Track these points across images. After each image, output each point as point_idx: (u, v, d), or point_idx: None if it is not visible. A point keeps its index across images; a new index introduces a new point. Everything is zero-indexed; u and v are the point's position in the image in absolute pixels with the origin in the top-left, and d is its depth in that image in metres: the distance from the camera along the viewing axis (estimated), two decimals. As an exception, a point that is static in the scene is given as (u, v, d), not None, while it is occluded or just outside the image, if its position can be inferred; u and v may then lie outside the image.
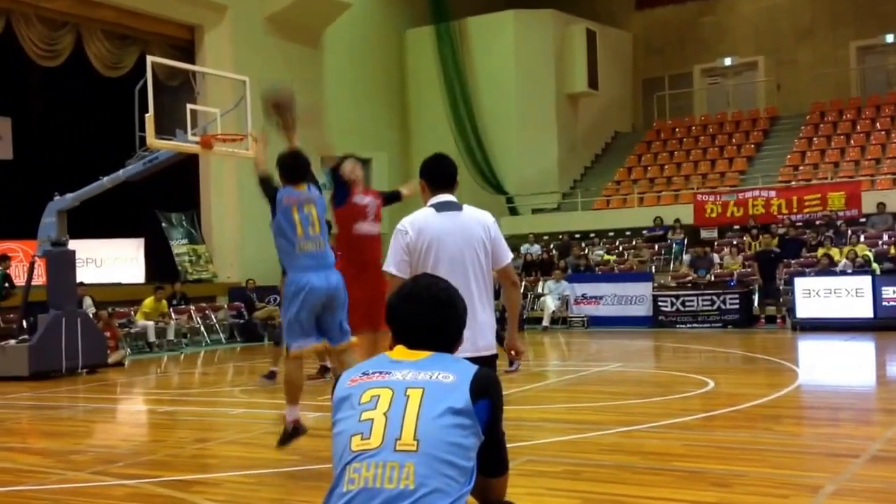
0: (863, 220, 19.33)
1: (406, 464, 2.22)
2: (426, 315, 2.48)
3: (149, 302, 16.43)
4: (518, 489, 5.05)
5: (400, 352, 2.45)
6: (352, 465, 2.26)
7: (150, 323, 16.32)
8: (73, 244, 13.36)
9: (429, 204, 4.21)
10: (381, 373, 2.38)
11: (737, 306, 17.35)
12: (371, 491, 2.22)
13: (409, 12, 24.85)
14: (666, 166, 24.58)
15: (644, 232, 21.27)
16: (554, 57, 24.58)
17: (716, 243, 20.26)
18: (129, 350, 15.25)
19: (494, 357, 4.15)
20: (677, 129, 26.21)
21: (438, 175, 4.23)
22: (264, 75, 17.98)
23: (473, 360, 3.24)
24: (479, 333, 4.00)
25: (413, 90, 24.97)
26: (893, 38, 24.73)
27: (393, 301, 2.55)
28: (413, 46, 24.86)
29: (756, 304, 17.77)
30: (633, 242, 21.26)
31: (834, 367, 11.85)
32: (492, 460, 2.43)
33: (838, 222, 18.97)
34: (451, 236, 4.07)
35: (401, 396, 2.30)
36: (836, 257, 17.15)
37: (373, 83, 23.99)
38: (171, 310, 16.92)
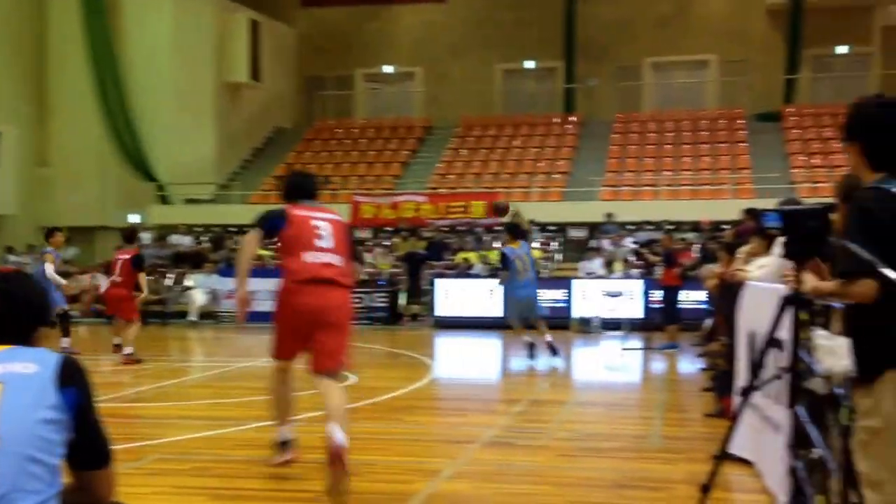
0: (499, 227, 21.01)
1: None
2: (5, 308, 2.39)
3: None
4: (143, 489, 4.88)
5: None
6: None
7: None
8: None
9: None
10: None
11: (385, 304, 18.09)
12: None
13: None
14: (325, 165, 25.00)
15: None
16: (215, 43, 24.02)
17: (369, 243, 20.95)
18: None
19: None
20: (338, 130, 26.77)
21: None
22: None
23: None
24: None
25: (54, 62, 23.03)
26: (533, 65, 27.24)
27: None
28: (56, 14, 22.92)
29: (402, 302, 18.63)
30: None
31: (465, 361, 12.77)
32: (90, 451, 2.33)
33: (478, 229, 20.46)
34: None
35: None
36: (473, 261, 18.50)
37: (7, 48, 21.82)
38: None
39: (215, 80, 24.10)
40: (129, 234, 12.67)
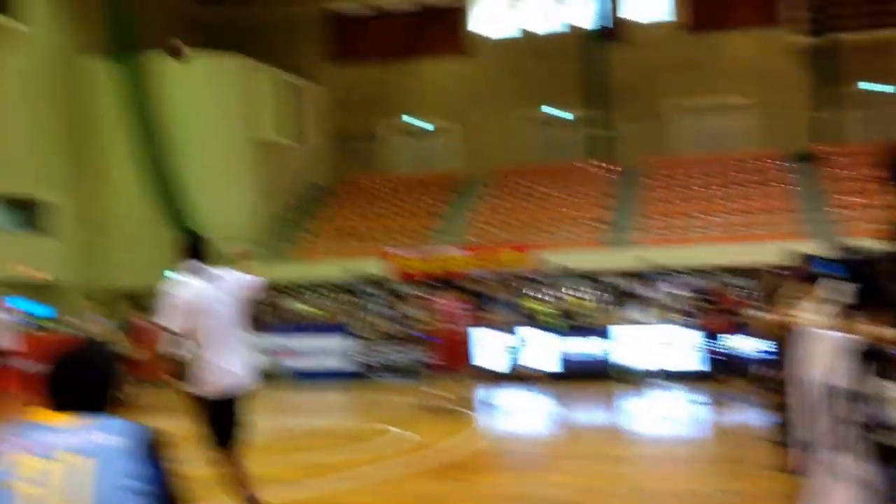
0: (542, 278, 20.88)
1: None
2: (87, 380, 2.43)
3: None
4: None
5: (55, 417, 2.36)
6: None
7: None
8: None
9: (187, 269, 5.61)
10: (40, 440, 2.28)
11: (431, 358, 18.02)
12: None
13: (94, 42, 23.45)
14: (361, 220, 25.22)
15: (342, 284, 21.58)
16: (247, 104, 24.47)
17: (412, 297, 20.96)
18: None
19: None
20: (370, 185, 27.02)
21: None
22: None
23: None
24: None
25: (104, 134, 23.42)
26: (562, 113, 27.50)
27: (54, 368, 2.46)
28: (101, 91, 23.38)
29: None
30: (330, 294, 21.50)
31: (512, 415, 12.66)
32: None
33: (512, 280, 20.37)
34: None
35: (71, 469, 2.23)
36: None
37: (53, 118, 22.36)
38: None
39: (249, 139, 24.54)
40: (446, 281, 12.25)
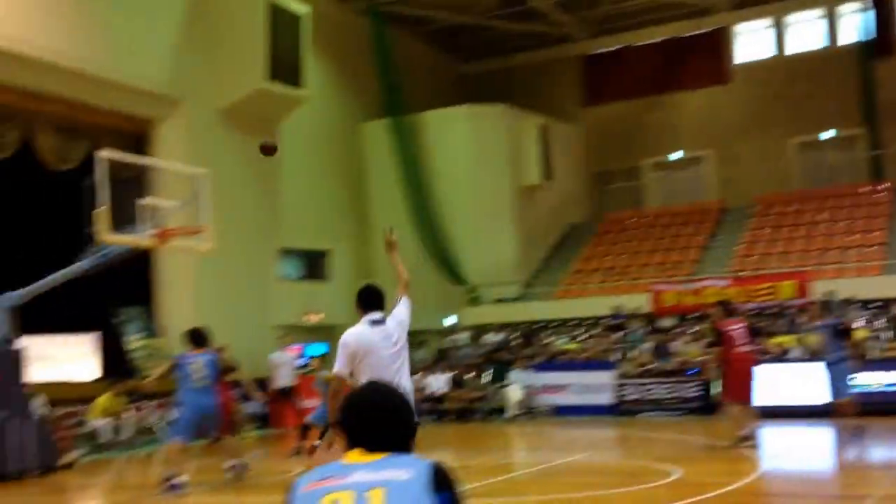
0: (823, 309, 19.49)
1: None
2: (380, 420, 2.52)
3: (103, 399, 15.87)
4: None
5: (354, 455, 2.47)
6: None
7: (105, 421, 15.76)
8: (24, 341, 12.94)
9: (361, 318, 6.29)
10: (337, 476, 2.39)
11: (698, 393, 17.41)
12: None
13: (366, 105, 25.18)
14: (621, 256, 24.94)
15: (605, 321, 21.38)
16: (508, 150, 25.08)
17: (674, 331, 20.41)
18: (82, 450, 14.64)
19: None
20: (630, 221, 26.69)
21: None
22: (220, 167, 17.95)
23: None
24: None
25: (373, 182, 25.03)
26: (830, 135, 25.81)
27: (347, 408, 2.58)
28: (371, 139, 25.11)
29: (717, 390, 17.83)
30: (593, 332, 21.35)
31: (793, 453, 11.87)
32: None
33: (789, 311, 19.22)
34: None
35: (362, 500, 2.32)
36: (788, 345, 17.40)
37: (331, 175, 24.14)
38: (133, 406, 16.30)
39: (511, 185, 25.07)
40: (723, 304, 12.62)
